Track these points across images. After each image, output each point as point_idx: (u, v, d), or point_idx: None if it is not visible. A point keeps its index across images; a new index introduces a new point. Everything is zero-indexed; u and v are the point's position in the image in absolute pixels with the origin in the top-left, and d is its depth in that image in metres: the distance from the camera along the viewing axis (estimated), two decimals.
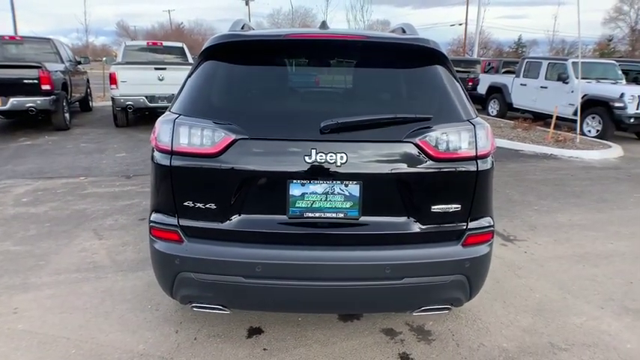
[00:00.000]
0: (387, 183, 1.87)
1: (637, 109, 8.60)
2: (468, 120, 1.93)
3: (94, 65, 20.67)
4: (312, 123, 1.83)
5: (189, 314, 2.66)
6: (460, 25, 45.30)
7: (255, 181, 1.87)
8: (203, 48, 2.07)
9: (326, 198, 1.86)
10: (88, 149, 7.32)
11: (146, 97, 8.97)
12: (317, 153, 1.80)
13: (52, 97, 8.21)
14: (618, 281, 3.22)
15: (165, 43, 11.08)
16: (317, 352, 2.35)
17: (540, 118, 10.52)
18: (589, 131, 9.25)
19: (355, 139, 1.81)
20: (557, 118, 8.90)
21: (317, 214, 1.88)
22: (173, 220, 1.94)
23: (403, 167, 1.84)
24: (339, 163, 1.80)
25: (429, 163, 1.84)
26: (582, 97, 8.81)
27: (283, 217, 1.89)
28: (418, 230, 1.90)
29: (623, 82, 9.87)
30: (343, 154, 1.80)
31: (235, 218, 1.89)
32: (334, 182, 1.84)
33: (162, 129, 1.92)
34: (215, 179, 1.87)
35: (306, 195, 1.86)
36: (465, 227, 1.95)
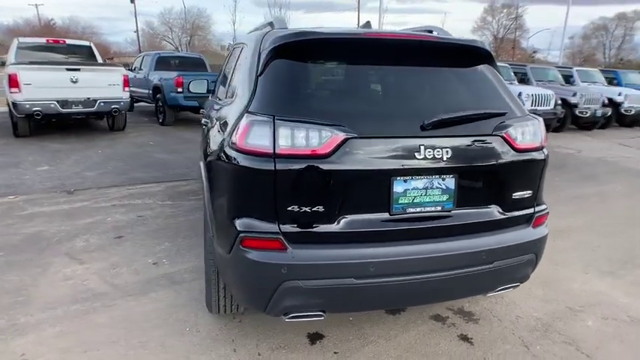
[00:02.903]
0: (478, 174, 2.01)
1: (532, 105, 10.03)
2: (527, 115, 2.15)
3: None
4: (411, 120, 1.88)
5: (236, 330, 2.50)
6: None
7: (362, 180, 1.85)
8: (276, 45, 1.98)
9: (426, 193, 1.92)
10: None
11: (58, 101, 7.90)
12: (425, 149, 1.85)
13: None
14: (585, 251, 3.78)
15: (68, 41, 9.87)
16: (386, 347, 2.39)
17: None
18: None
19: (453, 134, 1.91)
20: None
21: (417, 209, 1.93)
22: (273, 227, 1.82)
23: (492, 159, 1.99)
24: (444, 158, 1.87)
25: (512, 153, 2.02)
26: None
27: (385, 215, 1.90)
28: (501, 217, 2.07)
29: (516, 82, 11.40)
30: (448, 149, 1.88)
31: (342, 219, 1.85)
32: (433, 177, 1.92)
33: (255, 131, 1.79)
34: (324, 181, 1.80)
35: (408, 191, 1.90)
36: (533, 211, 2.17)
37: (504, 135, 2.00)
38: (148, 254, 3.46)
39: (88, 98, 8.24)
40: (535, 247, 2.13)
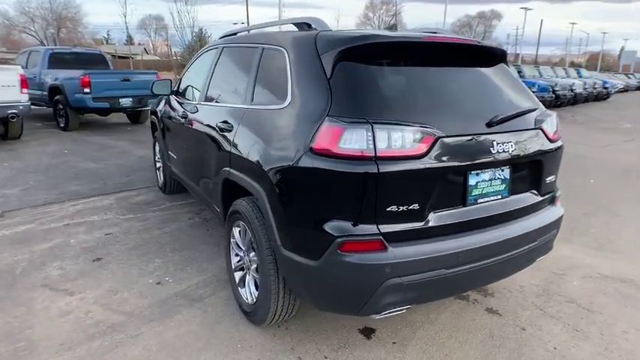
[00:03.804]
0: (525, 164, 2.25)
1: None
2: (545, 109, 2.47)
3: None
4: (478, 118, 2.05)
5: (288, 338, 2.45)
6: (242, 23, 47.06)
7: (446, 176, 1.96)
8: (346, 47, 1.98)
9: (490, 184, 2.11)
10: None
11: None
12: (497, 144, 2.04)
13: None
14: None
15: None
16: (434, 329, 2.56)
17: None
18: None
19: (511, 129, 2.13)
20: None
21: (485, 199, 2.11)
22: (372, 229, 1.84)
23: (535, 149, 2.26)
24: (508, 151, 2.08)
25: (547, 144, 2.31)
26: None
27: (461, 207, 2.05)
28: (539, 200, 2.35)
29: None
30: (511, 143, 2.09)
31: (430, 215, 1.95)
32: (496, 169, 2.12)
33: (350, 135, 1.78)
34: (420, 180, 1.87)
35: (479, 183, 2.07)
36: (554, 193, 2.51)
37: (542, 128, 2.29)
38: (144, 274, 3.15)
39: None
40: (559, 223, 2.48)
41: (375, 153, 1.79)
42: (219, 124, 2.74)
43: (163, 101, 4.50)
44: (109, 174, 5.88)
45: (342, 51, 2.00)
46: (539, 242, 2.33)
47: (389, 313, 1.99)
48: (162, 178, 4.95)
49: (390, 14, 68.29)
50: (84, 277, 3.09)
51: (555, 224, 2.44)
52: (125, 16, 32.29)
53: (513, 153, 2.13)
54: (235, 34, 3.42)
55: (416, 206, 1.89)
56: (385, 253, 1.85)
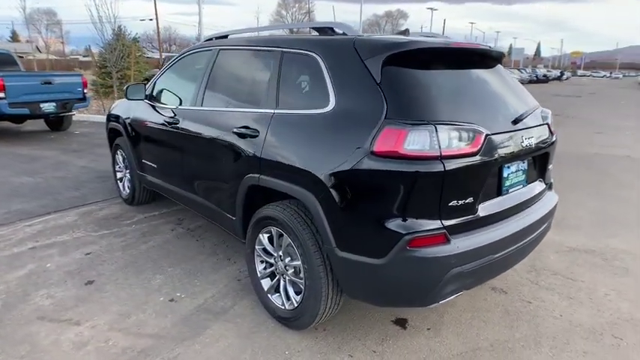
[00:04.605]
0: (537, 155, 2.52)
1: None
2: (541, 106, 2.78)
3: None
4: (505, 116, 2.26)
5: (331, 339, 2.49)
6: (150, 20, 44.47)
7: (490, 170, 2.13)
8: (394, 52, 2.06)
9: (516, 175, 2.34)
10: None
11: None
12: (527, 139, 2.27)
13: None
14: None
15: None
16: (458, 313, 2.77)
17: None
18: None
19: (531, 125, 2.38)
20: None
21: (512, 189, 2.34)
22: (436, 224, 1.95)
23: (545, 142, 2.53)
24: (530, 145, 2.32)
25: (550, 137, 2.61)
26: None
27: (498, 197, 2.25)
28: (544, 187, 2.65)
29: None
30: (533, 137, 2.34)
31: (479, 206, 2.11)
32: (519, 161, 2.35)
33: (416, 136, 1.87)
34: (474, 175, 2.02)
35: (509, 175, 2.29)
36: (551, 181, 2.84)
37: (548, 123, 2.59)
38: (150, 292, 2.95)
39: None
40: (556, 206, 2.82)
41: (440, 152, 1.90)
42: (237, 130, 2.65)
43: (129, 105, 4.19)
44: (54, 188, 5.31)
45: (390, 56, 2.08)
46: (548, 223, 2.64)
47: (446, 300, 2.13)
48: (127, 189, 4.61)
49: (302, 12, 69.00)
50: (83, 303, 2.81)
51: (555, 207, 2.77)
52: (24, 10, 28.46)
53: (533, 146, 2.39)
54: (226, 36, 3.31)
55: (470, 199, 2.05)
56: (449, 246, 1.98)
